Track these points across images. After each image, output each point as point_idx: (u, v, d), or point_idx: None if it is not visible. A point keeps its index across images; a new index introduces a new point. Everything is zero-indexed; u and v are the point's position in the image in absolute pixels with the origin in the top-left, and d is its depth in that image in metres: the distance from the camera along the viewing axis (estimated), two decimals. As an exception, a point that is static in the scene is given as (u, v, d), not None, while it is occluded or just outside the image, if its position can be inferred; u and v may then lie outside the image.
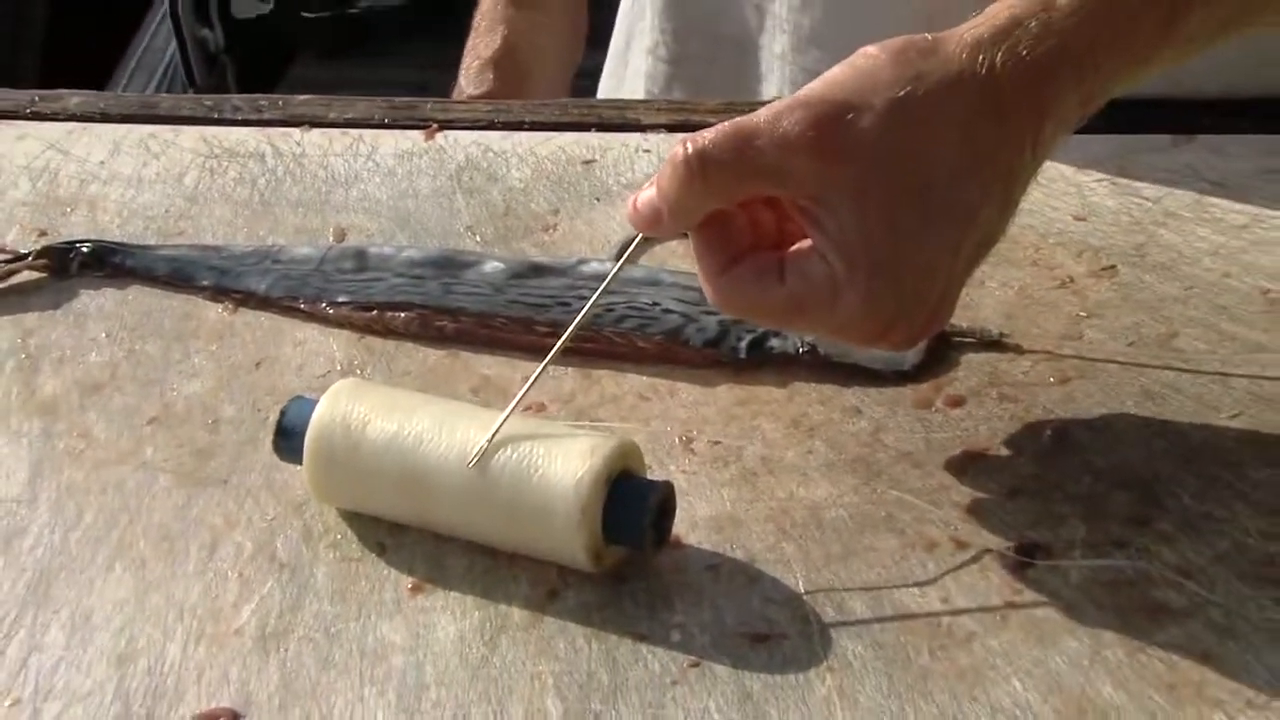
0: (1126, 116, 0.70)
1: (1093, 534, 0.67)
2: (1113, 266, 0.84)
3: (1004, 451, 0.72)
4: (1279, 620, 0.63)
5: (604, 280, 0.79)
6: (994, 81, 0.64)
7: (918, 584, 0.66)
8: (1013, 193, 0.66)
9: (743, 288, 0.66)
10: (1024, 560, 0.66)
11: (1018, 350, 0.78)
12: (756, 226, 0.68)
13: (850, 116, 0.63)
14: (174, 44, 2.58)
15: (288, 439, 0.69)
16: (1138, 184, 0.90)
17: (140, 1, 2.63)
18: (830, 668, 0.62)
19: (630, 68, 1.19)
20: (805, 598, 0.65)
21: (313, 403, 0.68)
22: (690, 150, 0.64)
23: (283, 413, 0.69)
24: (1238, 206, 0.88)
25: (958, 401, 0.75)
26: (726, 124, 0.64)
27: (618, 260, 0.83)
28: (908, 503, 0.70)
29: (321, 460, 0.67)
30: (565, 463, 0.64)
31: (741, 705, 0.60)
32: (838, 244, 0.63)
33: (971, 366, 0.77)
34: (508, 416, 0.65)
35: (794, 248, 0.66)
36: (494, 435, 0.65)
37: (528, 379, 0.76)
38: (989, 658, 0.62)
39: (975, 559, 0.67)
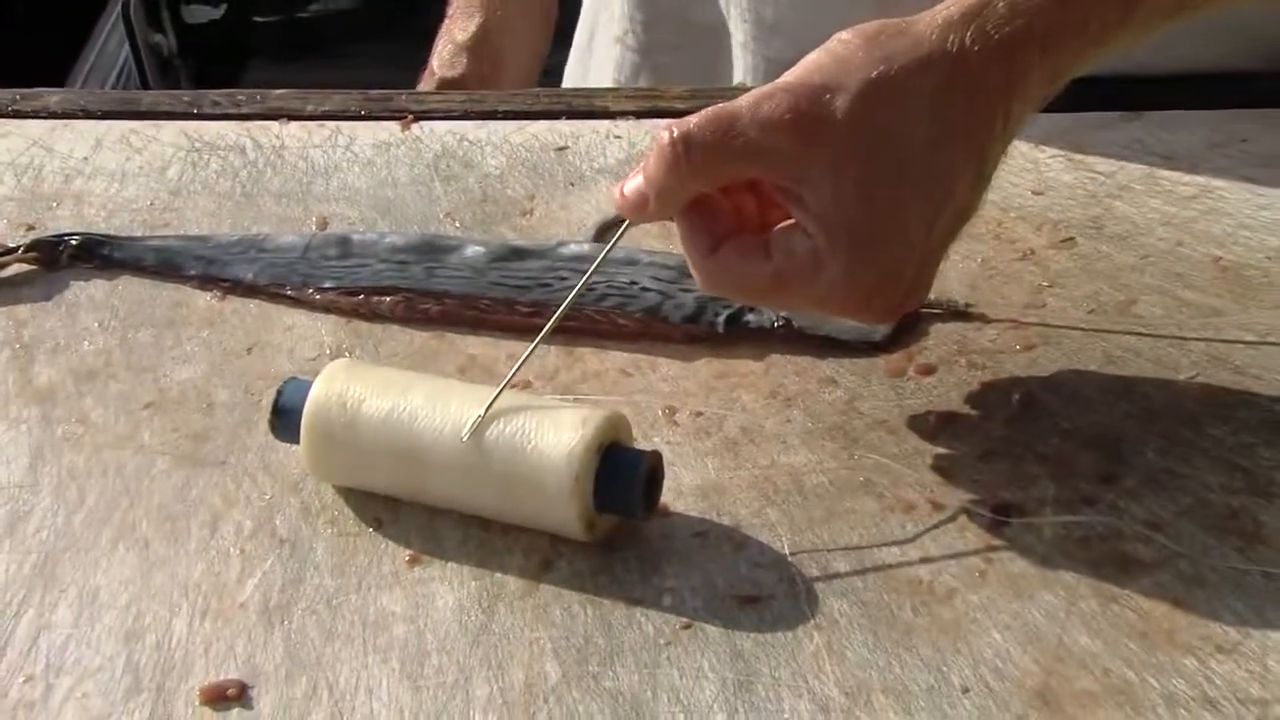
0: (1077, 94, 0.71)
1: (1063, 492, 0.68)
2: (1071, 238, 0.85)
3: (975, 416, 0.73)
4: (1243, 569, 0.64)
5: (584, 261, 0.81)
6: (964, 60, 0.65)
7: (898, 544, 0.66)
8: (985, 167, 0.67)
9: (730, 267, 0.66)
10: (999, 519, 0.67)
11: (984, 319, 0.79)
12: (740, 213, 0.69)
13: (827, 98, 0.64)
14: (127, 49, 2.56)
15: (284, 418, 0.69)
16: (1091, 159, 0.91)
17: (93, 7, 2.60)
18: (818, 626, 0.63)
19: (596, 57, 1.19)
20: (790, 560, 0.66)
21: (307, 383, 0.69)
22: (676, 134, 0.64)
23: (279, 393, 0.69)
24: (1186, 178, 0.90)
25: (928, 370, 0.76)
26: (709, 109, 0.65)
27: (595, 242, 0.85)
28: (885, 467, 0.70)
29: (319, 437, 0.67)
30: (557, 434, 0.64)
31: (734, 663, 0.61)
32: (818, 218, 0.64)
33: (940, 336, 0.78)
34: (501, 391, 0.65)
35: (777, 227, 0.66)
36: (488, 409, 0.65)
37: (513, 357, 0.77)
38: (969, 612, 0.63)
39: (952, 519, 0.67)
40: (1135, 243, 0.84)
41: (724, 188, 0.68)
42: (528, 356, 0.68)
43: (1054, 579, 0.64)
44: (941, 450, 0.71)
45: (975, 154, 0.66)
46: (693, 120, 0.65)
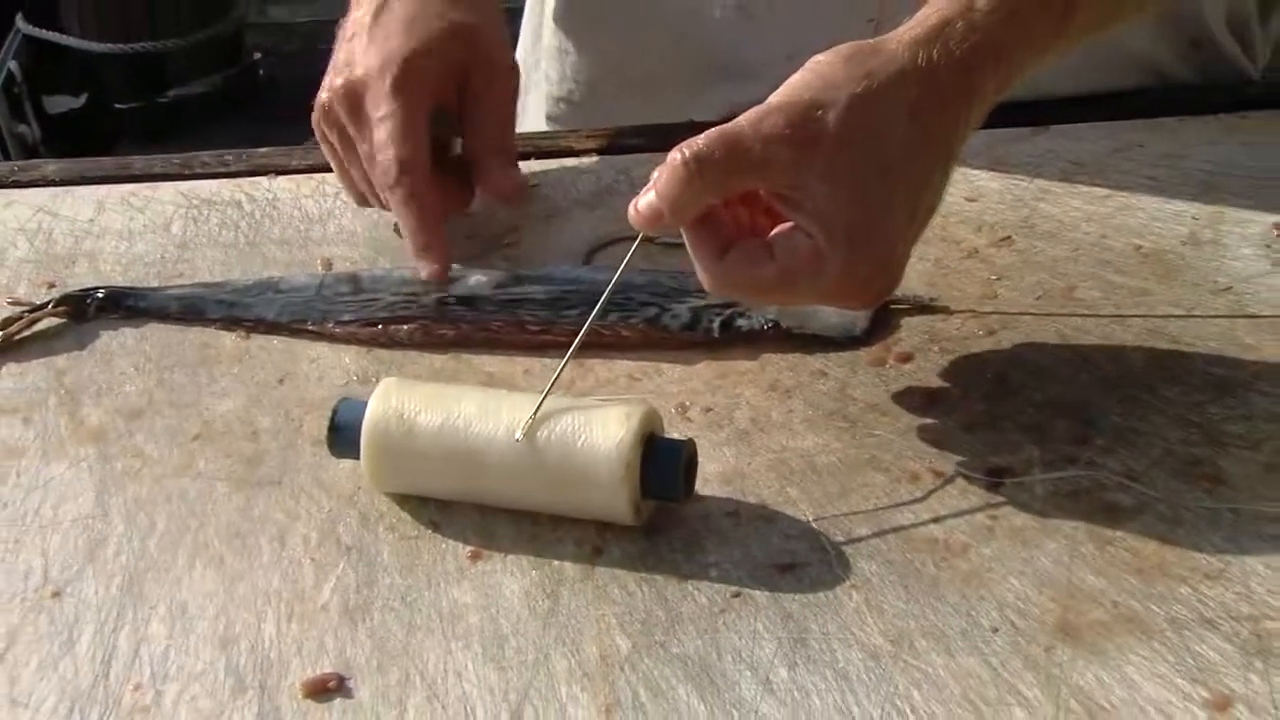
0: (992, 113, 0.74)
1: (1046, 454, 0.71)
2: (1008, 237, 0.88)
3: (955, 394, 0.76)
4: (1213, 508, 0.67)
5: (580, 282, 0.82)
6: (933, 72, 0.68)
7: (910, 509, 0.68)
8: (950, 165, 0.70)
9: (738, 270, 0.68)
10: (995, 481, 0.69)
11: (947, 311, 0.81)
12: (738, 223, 0.71)
13: (818, 113, 0.66)
14: (-9, 138, 2.54)
15: (341, 434, 0.69)
16: (1011, 168, 0.94)
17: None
18: (854, 585, 0.64)
19: (529, 112, 1.20)
20: (818, 531, 0.67)
21: (359, 402, 0.69)
22: (688, 154, 0.66)
23: (334, 412, 0.69)
24: (1098, 179, 0.93)
25: (906, 357, 0.78)
26: (713, 130, 0.67)
27: (585, 265, 0.86)
28: (885, 444, 0.72)
29: (379, 449, 0.68)
30: (605, 428, 0.65)
31: (785, 624, 0.62)
32: (817, 219, 0.66)
33: (911, 328, 0.80)
34: (547, 395, 0.66)
35: (775, 230, 0.68)
36: (537, 410, 0.66)
37: (530, 373, 0.79)
38: (985, 563, 0.65)
39: (954, 484, 0.70)
40: (1064, 238, 0.88)
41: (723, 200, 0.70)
42: (566, 363, 0.69)
43: (1053, 529, 0.66)
44: (931, 426, 0.73)
45: (945, 154, 0.69)
46: (701, 140, 0.67)
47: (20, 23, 2.90)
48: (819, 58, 0.69)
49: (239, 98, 3.15)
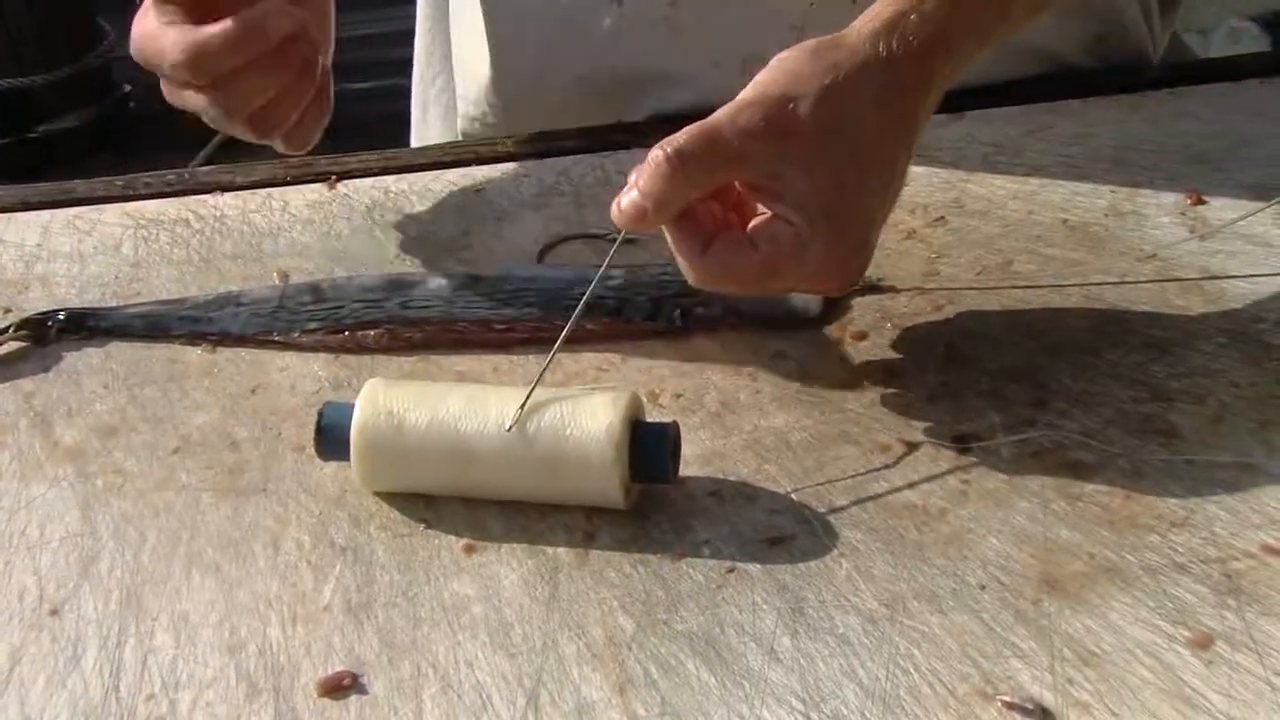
0: None
1: (1006, 419, 0.71)
2: (942, 218, 0.88)
3: (912, 368, 0.76)
4: (1170, 460, 0.68)
5: (537, 280, 0.81)
6: (893, 62, 0.68)
7: (885, 478, 0.68)
8: (912, 150, 0.71)
9: (722, 261, 0.67)
10: (962, 447, 0.70)
11: (894, 290, 0.81)
12: (714, 218, 0.70)
13: (791, 106, 0.67)
14: None
15: (328, 436, 0.67)
16: (935, 152, 0.95)
17: None
18: (842, 554, 0.64)
19: (431, 127, 1.18)
20: (800, 504, 0.67)
21: (344, 405, 0.67)
22: (670, 150, 0.66)
23: (320, 415, 0.68)
24: (1017, 160, 0.94)
25: (862, 336, 0.78)
26: (692, 126, 0.66)
27: (539, 263, 0.85)
28: (853, 418, 0.72)
29: (369, 449, 0.66)
30: (593, 415, 0.64)
31: (781, 594, 0.62)
32: (797, 206, 0.66)
33: (863, 308, 0.80)
34: (534, 387, 0.65)
35: (754, 222, 0.68)
36: (525, 402, 0.65)
37: (498, 369, 0.78)
38: (964, 525, 0.65)
39: (924, 452, 0.70)
40: (994, 215, 0.88)
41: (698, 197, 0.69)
42: (553, 356, 0.69)
43: (1024, 488, 0.67)
44: (894, 399, 0.73)
45: (908, 138, 0.70)
46: (680, 136, 0.66)
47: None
48: (784, 55, 0.69)
49: (111, 130, 3.08)
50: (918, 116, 0.70)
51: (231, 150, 2.79)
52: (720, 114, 0.66)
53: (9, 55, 2.90)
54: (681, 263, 0.69)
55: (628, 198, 0.67)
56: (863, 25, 0.69)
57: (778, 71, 0.68)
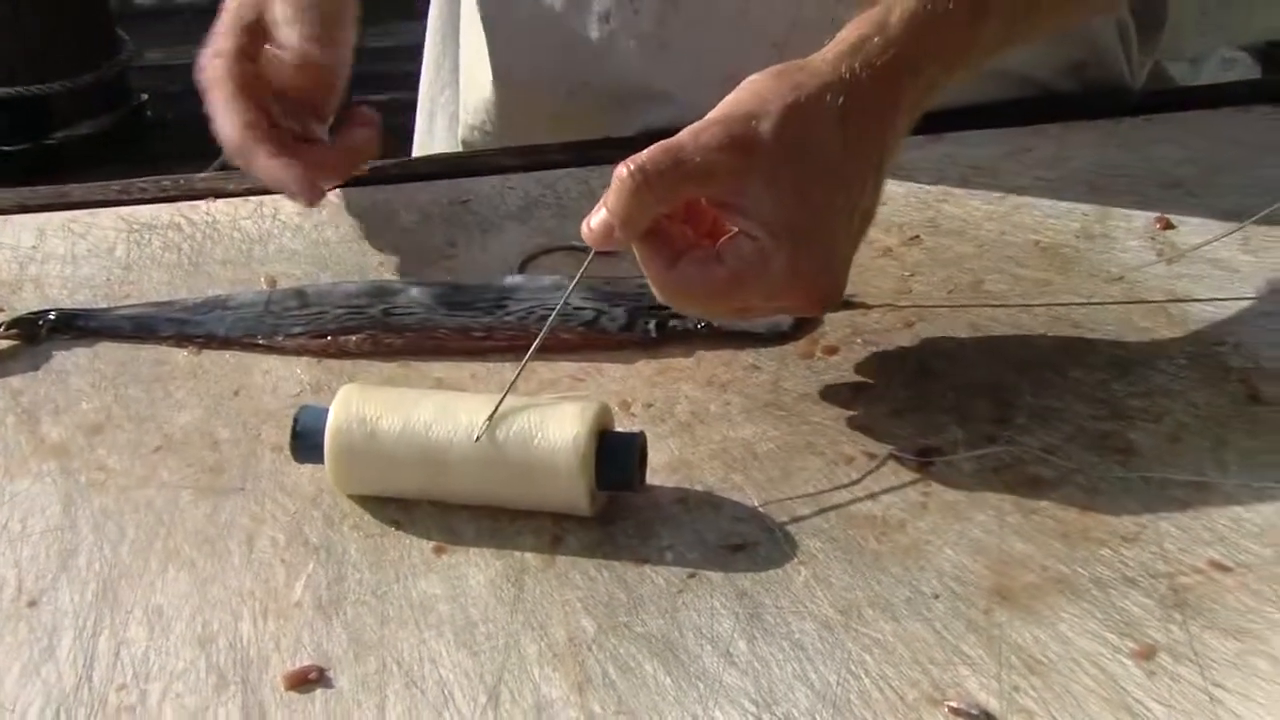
0: None
1: (969, 434, 0.72)
2: (917, 236, 0.90)
3: (880, 383, 0.77)
4: (1126, 477, 0.69)
5: (519, 290, 0.83)
6: (857, 84, 0.69)
7: (848, 489, 0.70)
8: (881, 172, 0.72)
9: (689, 277, 0.69)
10: (924, 460, 0.71)
11: (866, 306, 0.83)
12: (684, 238, 0.71)
13: (754, 123, 0.68)
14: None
15: (304, 440, 0.69)
16: (914, 172, 0.96)
17: None
18: (801, 562, 0.65)
19: (436, 136, 1.20)
20: (763, 513, 0.68)
21: (320, 409, 0.69)
22: (633, 167, 0.67)
23: (296, 419, 0.69)
24: (994, 181, 0.95)
25: (833, 350, 0.80)
26: (657, 144, 0.68)
27: (521, 273, 0.86)
28: (820, 430, 0.73)
29: (343, 454, 0.67)
30: (560, 424, 0.66)
31: (740, 600, 0.63)
32: (761, 222, 0.67)
33: (835, 323, 0.81)
34: (505, 396, 0.67)
35: (722, 239, 0.69)
36: (495, 410, 0.66)
37: (476, 376, 0.79)
38: (922, 536, 0.66)
39: (886, 465, 0.71)
40: (969, 235, 0.90)
41: (668, 216, 0.71)
42: (524, 367, 0.70)
43: (982, 501, 0.68)
44: (861, 412, 0.75)
45: (875, 159, 0.71)
46: (644, 154, 0.67)
47: (-93, 66, 2.85)
48: (751, 77, 0.71)
49: (126, 138, 3.10)
50: (885, 137, 0.71)
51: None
52: (685, 132, 0.68)
53: (28, 62, 2.92)
54: (650, 279, 0.70)
55: (596, 217, 0.69)
56: (828, 49, 0.71)
57: (743, 91, 0.70)
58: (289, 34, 0.84)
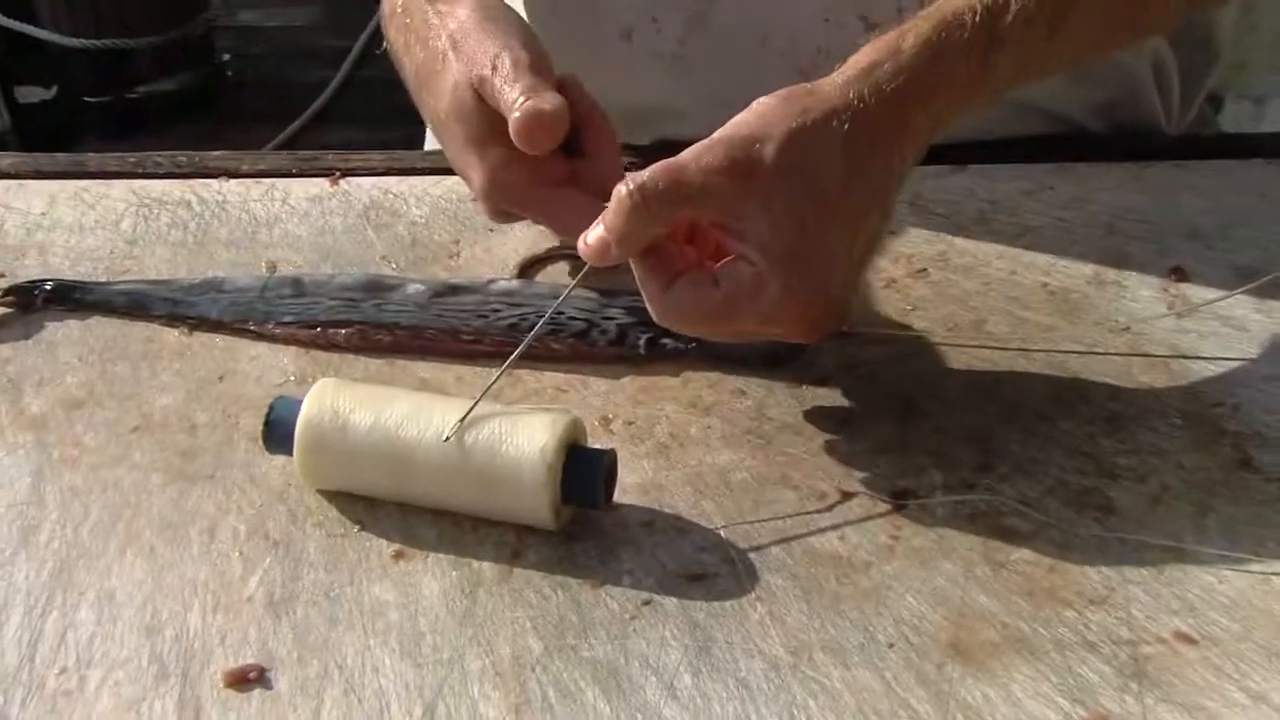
0: None
1: (948, 479, 0.71)
2: (924, 269, 0.88)
3: (865, 418, 0.76)
4: (1102, 536, 0.68)
5: (513, 295, 0.82)
6: (864, 109, 0.68)
7: (817, 526, 0.69)
8: (888, 201, 0.70)
9: (684, 298, 0.68)
10: (898, 503, 0.70)
11: (862, 338, 0.81)
12: (686, 257, 0.71)
13: (756, 146, 0.67)
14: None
15: (276, 431, 0.68)
16: (931, 204, 0.95)
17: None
18: (759, 597, 0.64)
19: None
20: (728, 543, 0.67)
21: (295, 401, 0.68)
22: (633, 186, 0.66)
23: (270, 409, 0.69)
24: (1011, 219, 0.94)
25: (822, 381, 0.78)
26: (658, 163, 0.67)
27: (519, 278, 0.86)
28: (797, 462, 0.72)
29: (312, 446, 0.67)
30: (530, 434, 0.65)
31: (692, 632, 0.62)
32: (757, 245, 0.67)
33: (829, 353, 0.80)
34: (479, 400, 0.66)
35: (720, 262, 0.68)
36: (468, 414, 0.65)
37: (461, 379, 0.78)
38: (885, 581, 0.65)
39: (859, 504, 0.70)
40: (977, 272, 0.88)
41: (669, 236, 0.70)
42: (502, 373, 0.70)
43: (951, 550, 0.67)
44: (841, 447, 0.74)
45: (880, 189, 0.70)
46: (645, 173, 0.67)
47: (-4, 15, 2.88)
48: (760, 100, 0.70)
49: (206, 97, 3.13)
50: (891, 165, 0.70)
51: (318, 126, 2.84)
52: (687, 152, 0.67)
53: (114, 16, 2.95)
54: (646, 298, 0.69)
55: (594, 233, 0.68)
56: (838, 74, 0.70)
57: (749, 114, 0.69)
58: (510, 96, 0.76)
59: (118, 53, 2.95)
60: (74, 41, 2.90)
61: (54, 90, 2.98)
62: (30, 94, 2.99)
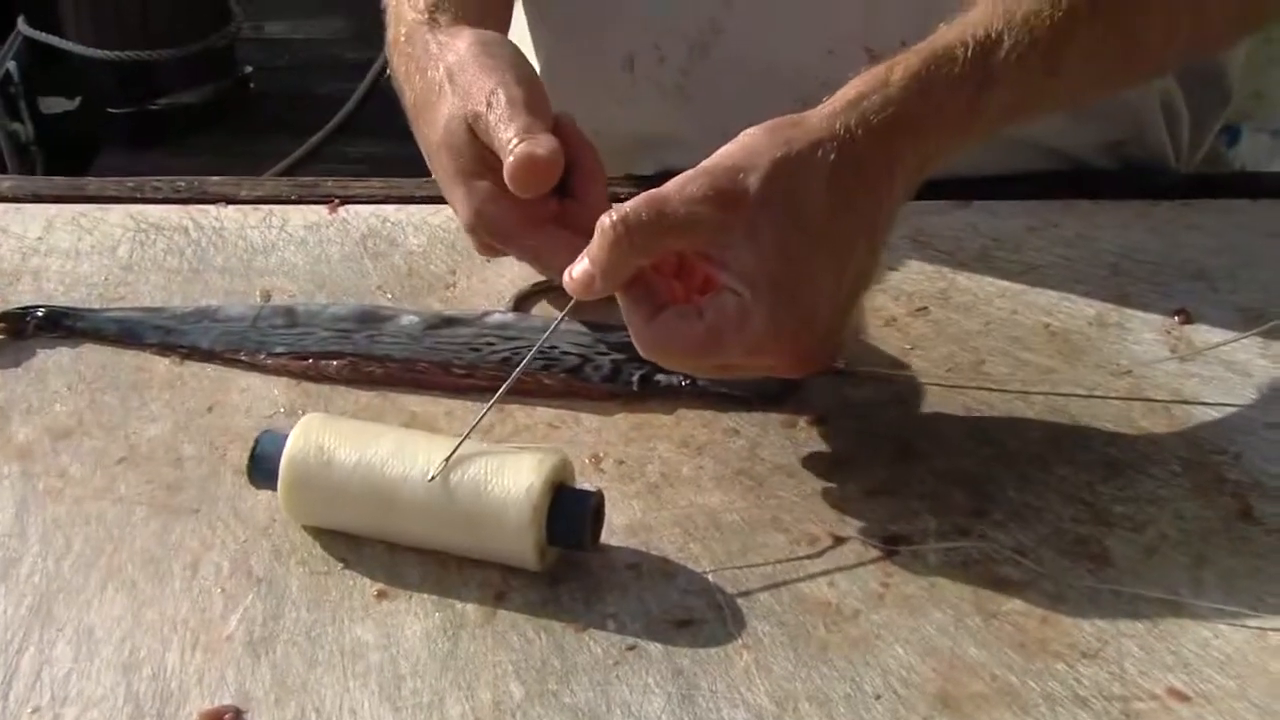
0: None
1: (941, 525, 0.70)
2: (925, 308, 0.87)
3: (860, 460, 0.75)
4: (1096, 587, 0.67)
5: (508, 329, 0.82)
6: (850, 140, 0.68)
7: (807, 572, 0.68)
8: (875, 236, 0.70)
9: (669, 329, 0.67)
10: (890, 549, 0.69)
11: (859, 378, 0.81)
12: (672, 290, 0.70)
13: (741, 176, 0.67)
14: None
15: (260, 465, 0.68)
16: (933, 240, 0.94)
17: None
18: (745, 644, 0.64)
19: None
20: (716, 588, 0.67)
21: (281, 435, 0.68)
22: (616, 218, 0.66)
23: (256, 443, 0.68)
24: (1014, 256, 0.93)
25: (817, 420, 0.78)
26: (641, 195, 0.66)
27: (514, 311, 0.85)
28: (788, 505, 0.72)
29: (296, 482, 0.67)
30: (516, 474, 0.64)
31: (675, 679, 0.62)
32: (742, 276, 0.66)
33: (823, 392, 0.79)
34: (465, 438, 0.66)
35: (707, 295, 0.68)
36: (453, 454, 0.65)
37: (451, 414, 0.78)
38: (874, 629, 0.64)
39: (850, 549, 0.69)
40: (978, 311, 0.87)
41: (656, 269, 0.69)
42: (486, 411, 0.69)
43: (942, 599, 0.66)
44: (834, 490, 0.73)
45: (867, 221, 0.69)
46: (628, 205, 0.66)
47: (21, 25, 2.89)
48: (747, 130, 0.69)
49: (228, 108, 3.14)
50: (879, 198, 0.69)
51: (339, 138, 2.84)
52: (671, 183, 0.67)
53: (138, 28, 2.96)
54: (631, 330, 0.69)
55: (579, 266, 0.67)
56: (825, 105, 0.70)
57: (734, 144, 0.68)
58: (504, 136, 0.76)
59: (141, 64, 2.96)
60: (98, 53, 2.91)
61: (77, 101, 2.99)
62: (54, 104, 3.00)
